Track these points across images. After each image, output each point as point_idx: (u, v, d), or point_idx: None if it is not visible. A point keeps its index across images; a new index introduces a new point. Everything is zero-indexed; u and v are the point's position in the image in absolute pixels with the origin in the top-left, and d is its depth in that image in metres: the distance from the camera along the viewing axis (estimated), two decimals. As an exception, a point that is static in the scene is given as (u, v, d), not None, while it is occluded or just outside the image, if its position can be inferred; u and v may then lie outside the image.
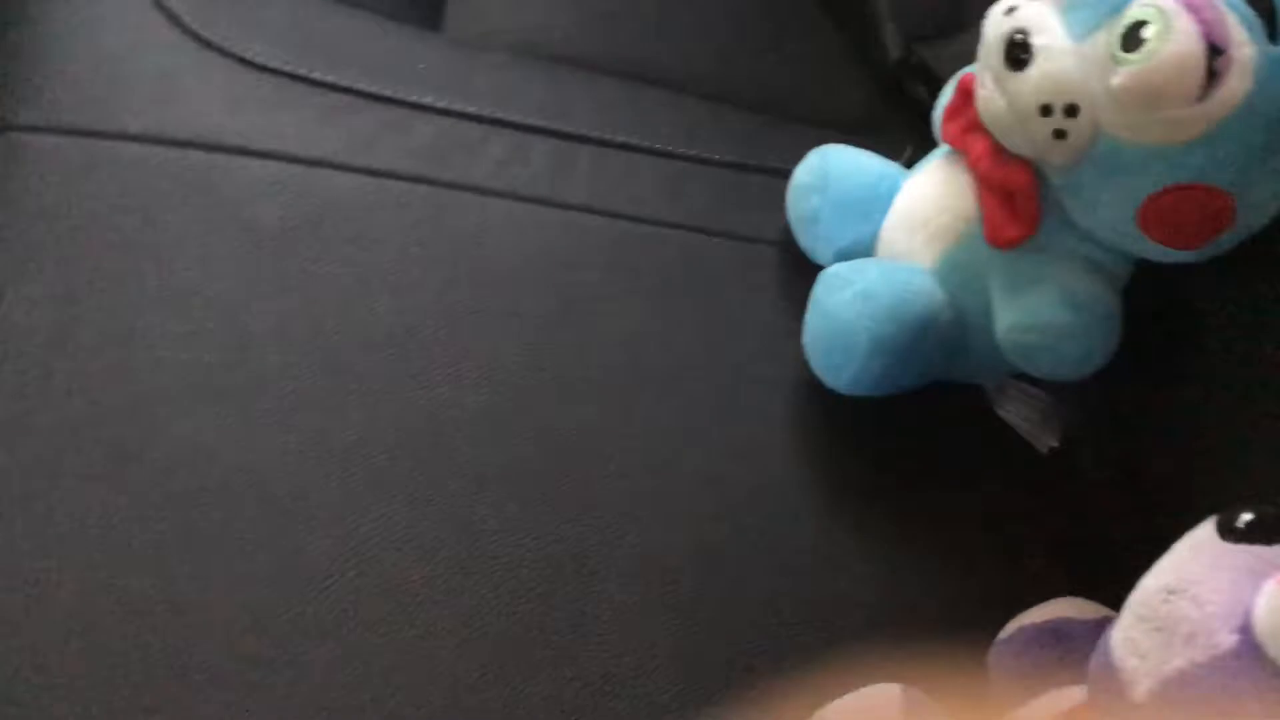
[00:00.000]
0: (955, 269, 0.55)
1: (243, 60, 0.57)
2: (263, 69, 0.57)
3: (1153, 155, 0.46)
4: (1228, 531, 0.35)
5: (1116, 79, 0.46)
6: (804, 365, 0.55)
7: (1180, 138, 0.45)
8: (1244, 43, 0.44)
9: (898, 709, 0.41)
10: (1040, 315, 0.52)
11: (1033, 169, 0.51)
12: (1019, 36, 0.48)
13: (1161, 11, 0.44)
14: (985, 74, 0.50)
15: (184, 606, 0.43)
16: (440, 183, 0.56)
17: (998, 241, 0.53)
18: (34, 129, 0.51)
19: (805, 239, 0.59)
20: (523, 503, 0.49)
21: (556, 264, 0.56)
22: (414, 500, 0.48)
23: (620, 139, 0.62)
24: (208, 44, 0.57)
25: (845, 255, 0.58)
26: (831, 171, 0.59)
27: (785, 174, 0.62)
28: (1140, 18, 0.45)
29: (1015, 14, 0.49)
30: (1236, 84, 0.44)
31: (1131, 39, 0.45)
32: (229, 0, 0.59)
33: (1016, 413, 0.57)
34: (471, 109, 0.60)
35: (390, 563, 0.46)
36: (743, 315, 0.58)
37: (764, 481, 0.54)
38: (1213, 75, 0.44)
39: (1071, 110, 0.48)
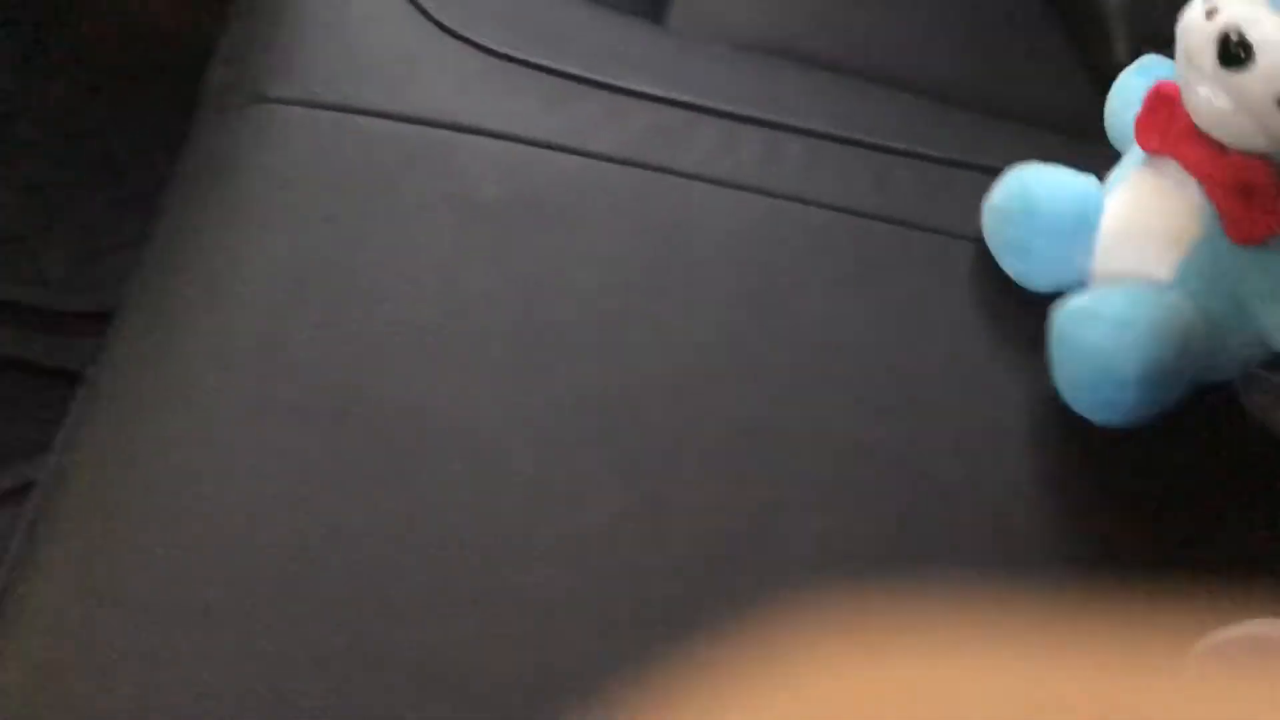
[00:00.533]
0: (1197, 276, 0.53)
1: (477, 46, 0.61)
2: (494, 54, 0.60)
3: None
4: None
5: None
6: (994, 363, 0.55)
7: None
8: None
9: None
10: None
11: (1269, 160, 0.50)
12: (1234, 35, 0.47)
13: None
14: (1194, 78, 0.50)
15: (389, 541, 0.46)
16: (651, 167, 0.58)
17: (1251, 239, 0.51)
18: (287, 101, 0.56)
19: (1014, 266, 0.58)
20: (709, 477, 0.50)
21: (758, 249, 0.57)
22: (607, 465, 0.50)
23: (831, 131, 0.62)
24: (446, 29, 0.61)
25: (1066, 285, 0.56)
26: (1035, 197, 0.57)
27: (996, 171, 0.61)
28: None
29: (1219, 15, 0.48)
30: None
31: None
32: (469, -10, 0.63)
33: (1268, 402, 0.56)
34: (686, 97, 0.61)
35: (577, 520, 0.48)
36: (942, 310, 0.58)
37: (954, 478, 0.53)
38: None
39: None
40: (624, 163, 0.58)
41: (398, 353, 0.50)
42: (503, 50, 0.61)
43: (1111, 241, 0.57)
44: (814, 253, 0.58)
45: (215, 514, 0.46)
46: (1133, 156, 0.56)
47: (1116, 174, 0.57)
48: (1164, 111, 0.52)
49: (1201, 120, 0.50)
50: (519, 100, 0.59)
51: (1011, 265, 0.58)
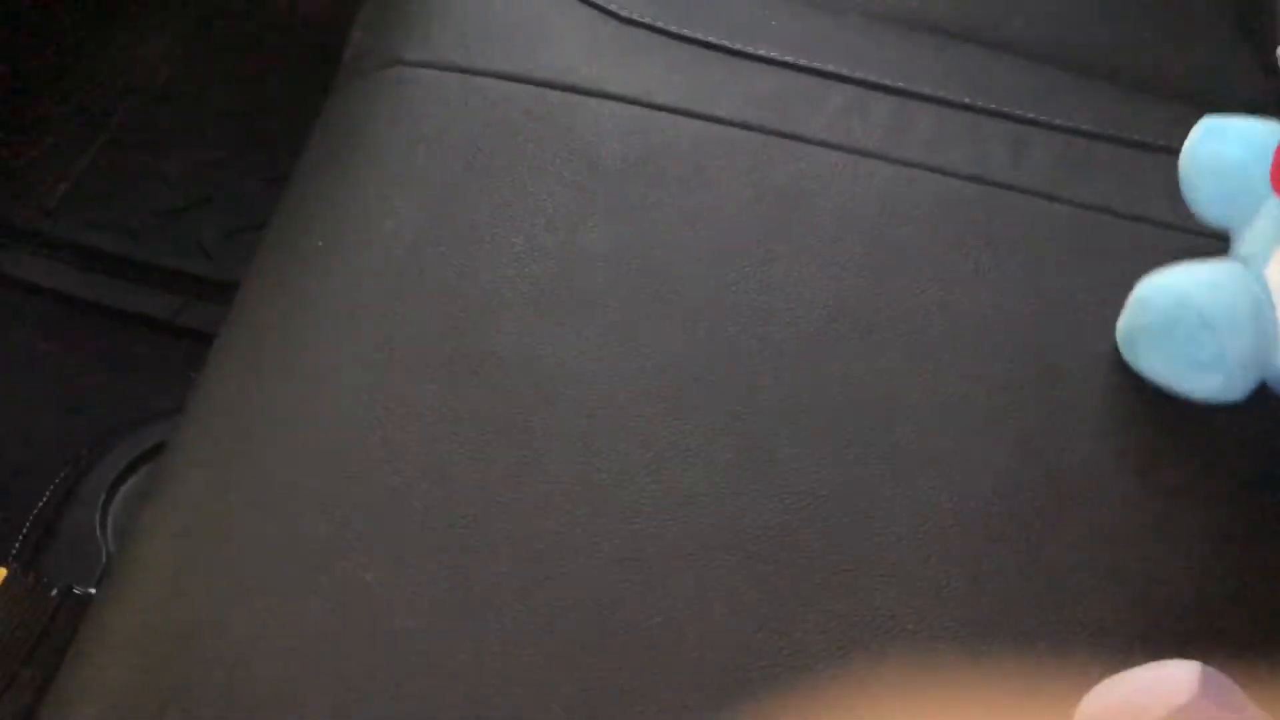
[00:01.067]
0: None
1: (607, 12, 0.61)
2: (624, 20, 0.61)
3: None
4: None
5: None
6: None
7: None
8: None
9: (1196, 684, 0.38)
10: None
11: None
12: None
13: None
14: None
15: (498, 488, 0.47)
16: (774, 131, 0.58)
17: None
18: (420, 64, 0.58)
19: (1208, 382, 0.50)
20: (818, 438, 0.50)
21: (881, 216, 0.56)
22: (715, 425, 0.49)
23: (964, 100, 0.61)
24: (578, -3, 0.61)
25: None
26: (1202, 305, 0.49)
27: (1138, 144, 0.59)
28: None
29: None
30: None
31: None
32: (602, -41, 0.64)
33: None
34: (815, 64, 0.61)
35: (683, 477, 0.48)
36: (1071, 286, 0.56)
37: (1071, 460, 0.51)
38: None
39: None
40: (746, 127, 0.58)
41: (514, 308, 0.51)
42: (631, 16, 0.61)
43: None
44: (940, 221, 0.57)
45: (331, 459, 0.48)
46: (1263, 217, 0.52)
47: (1254, 244, 0.52)
48: None
49: None
50: (645, 64, 0.59)
51: (1204, 383, 0.50)
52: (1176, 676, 0.39)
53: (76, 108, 1.05)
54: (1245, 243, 0.53)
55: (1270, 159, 0.51)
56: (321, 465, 0.47)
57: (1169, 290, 0.50)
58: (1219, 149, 0.53)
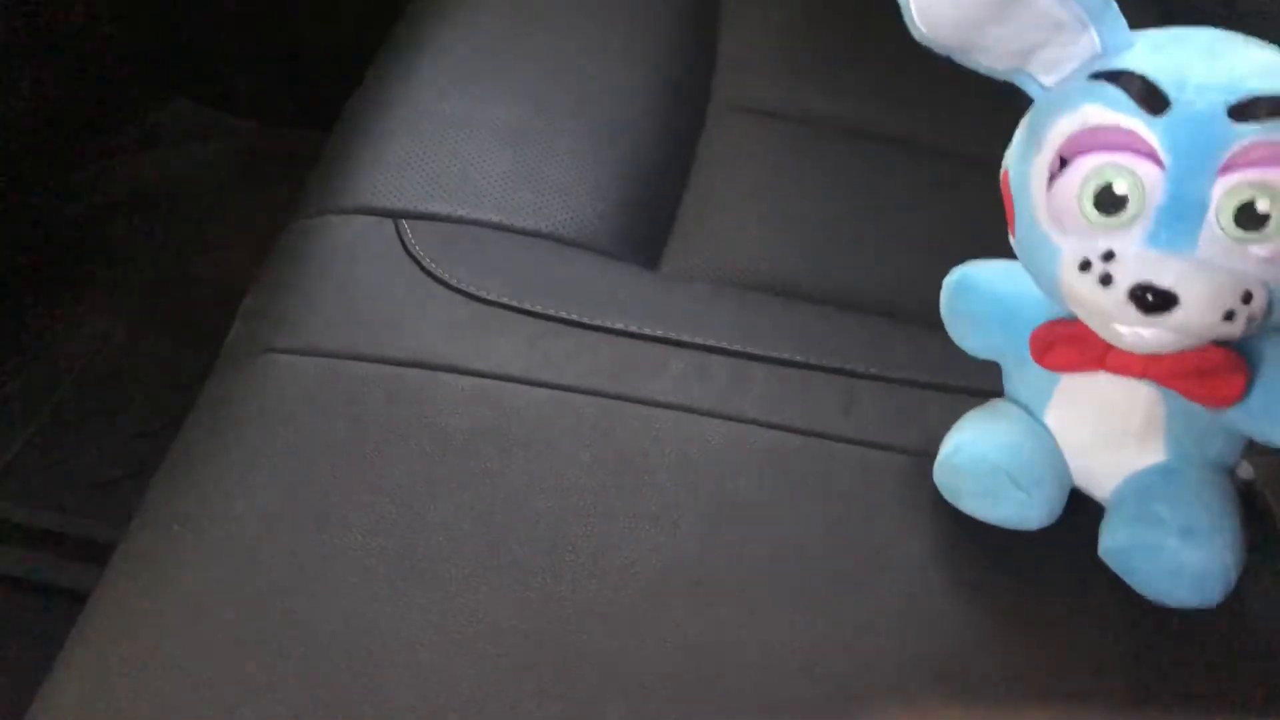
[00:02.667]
0: (1192, 442, 0.55)
1: (466, 293, 0.66)
2: (481, 300, 0.66)
3: None
4: None
5: (1265, 251, 0.46)
6: (959, 588, 0.55)
7: None
8: None
9: None
10: None
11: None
12: (1150, 295, 0.46)
13: (1265, 187, 0.45)
14: (1115, 326, 0.49)
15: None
16: (616, 396, 0.62)
17: (1229, 402, 0.52)
18: (287, 350, 0.62)
19: (1016, 517, 0.58)
20: (646, 694, 0.51)
21: (718, 473, 0.59)
22: (543, 688, 0.51)
23: (798, 358, 0.65)
24: (441, 281, 0.67)
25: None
26: (1014, 470, 0.56)
27: (963, 390, 0.63)
28: (1242, 201, 0.45)
29: (1115, 281, 0.47)
30: None
31: (1248, 220, 0.46)
32: (467, 245, 0.70)
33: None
34: (659, 332, 0.65)
35: (513, 744, 0.49)
36: (905, 533, 0.58)
37: (915, 697, 0.53)
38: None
39: (1247, 297, 0.47)
40: (590, 392, 0.62)
41: (351, 582, 0.53)
42: (489, 297, 0.66)
43: (1086, 458, 0.57)
44: (774, 476, 0.60)
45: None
46: (1042, 377, 0.56)
47: (1027, 390, 0.58)
48: (1074, 341, 0.53)
49: (1137, 350, 0.50)
50: (500, 341, 0.64)
51: (1018, 521, 0.57)
52: None
53: (22, 386, 1.11)
54: (1017, 384, 0.59)
55: (1018, 300, 0.55)
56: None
57: (982, 460, 0.56)
58: (973, 307, 0.58)
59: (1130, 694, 0.54)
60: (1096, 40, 0.48)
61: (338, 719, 0.49)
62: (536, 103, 0.79)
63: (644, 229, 0.76)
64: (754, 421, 0.62)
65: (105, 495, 1.03)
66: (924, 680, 0.53)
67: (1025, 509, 0.57)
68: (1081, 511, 0.58)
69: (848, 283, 0.75)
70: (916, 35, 0.50)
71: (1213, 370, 0.51)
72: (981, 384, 0.63)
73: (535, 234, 0.72)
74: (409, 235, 0.69)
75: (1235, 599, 0.55)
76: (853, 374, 0.65)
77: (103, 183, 1.29)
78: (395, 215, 0.70)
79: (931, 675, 0.53)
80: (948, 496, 0.58)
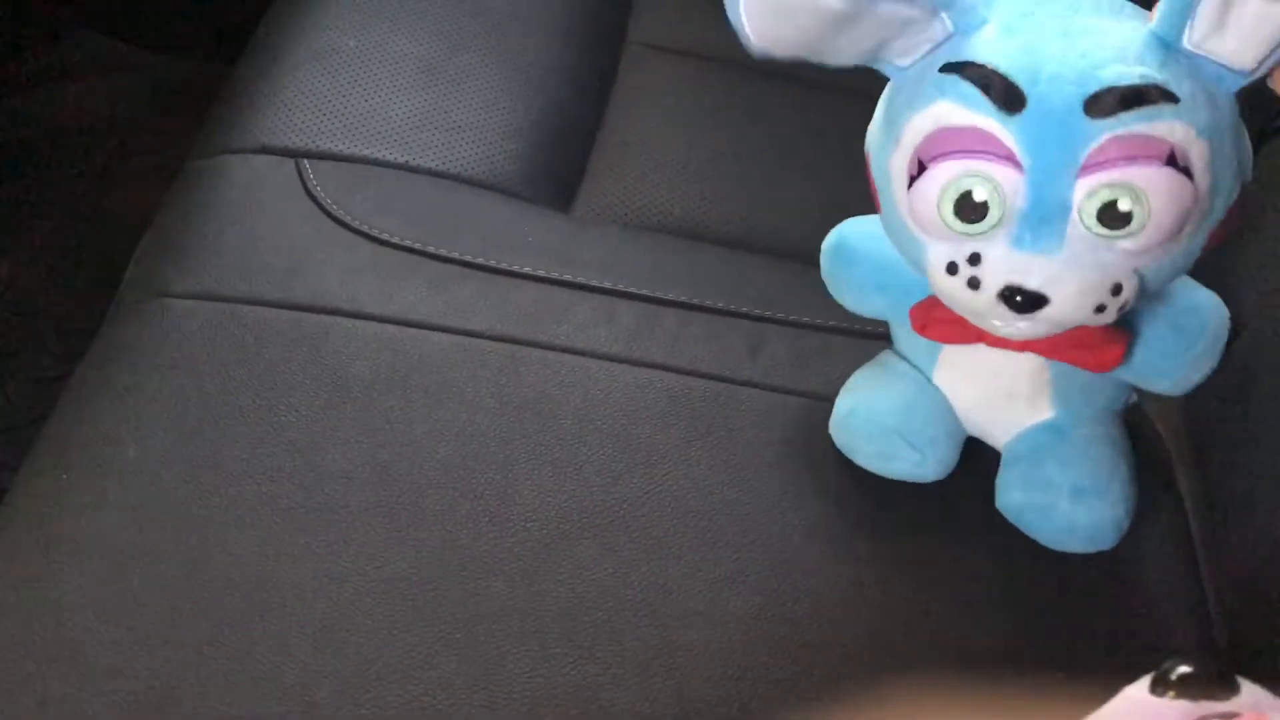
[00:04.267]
0: (1080, 397, 0.56)
1: (370, 237, 0.65)
2: (385, 243, 0.65)
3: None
4: (1161, 686, 0.34)
5: (1133, 245, 0.46)
6: (857, 531, 0.56)
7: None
8: (1192, 140, 0.45)
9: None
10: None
11: None
12: (1019, 297, 0.46)
13: (1126, 186, 0.44)
14: (989, 320, 0.49)
15: (220, 708, 0.48)
16: (522, 341, 0.61)
17: (1109, 367, 0.53)
18: (183, 295, 0.61)
19: (908, 469, 0.58)
20: (544, 641, 0.51)
21: (623, 418, 0.59)
22: (442, 637, 0.51)
23: (706, 302, 0.65)
24: (341, 223, 0.65)
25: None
26: (909, 432, 0.57)
27: (868, 335, 0.63)
28: (1104, 201, 0.45)
29: (983, 284, 0.47)
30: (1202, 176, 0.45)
31: (1112, 219, 0.45)
32: (371, 186, 0.68)
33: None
34: (567, 276, 0.65)
35: (410, 692, 0.49)
36: (811, 476, 0.59)
37: (810, 638, 0.53)
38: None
39: (1117, 289, 0.47)
40: (495, 338, 0.61)
41: (247, 529, 0.53)
42: (393, 239, 0.65)
43: (977, 415, 0.58)
44: (679, 420, 0.60)
45: (60, 700, 0.48)
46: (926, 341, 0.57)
47: (917, 356, 0.58)
48: (952, 321, 0.52)
49: (1014, 339, 0.50)
50: (403, 285, 0.63)
51: (905, 469, 0.58)
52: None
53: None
54: (903, 343, 0.59)
55: (896, 264, 0.54)
56: (51, 696, 0.48)
57: (876, 423, 0.57)
58: (851, 272, 0.58)
59: (1018, 633, 0.55)
60: (948, 23, 0.46)
61: (237, 667, 0.49)
62: (447, 39, 0.77)
63: (557, 171, 0.75)
64: (660, 366, 0.62)
65: (7, 440, 1.01)
66: (824, 622, 0.54)
67: (920, 467, 0.57)
68: (979, 457, 0.59)
69: (760, 226, 0.74)
70: (752, 52, 0.46)
71: (1092, 342, 0.51)
72: (884, 328, 0.63)
73: (443, 175, 0.70)
74: (310, 175, 0.67)
75: (1130, 544, 0.56)
76: (760, 318, 0.64)
77: (9, 117, 1.25)
78: (296, 155, 0.68)
79: (830, 619, 0.54)
80: (844, 453, 0.58)
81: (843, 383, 0.60)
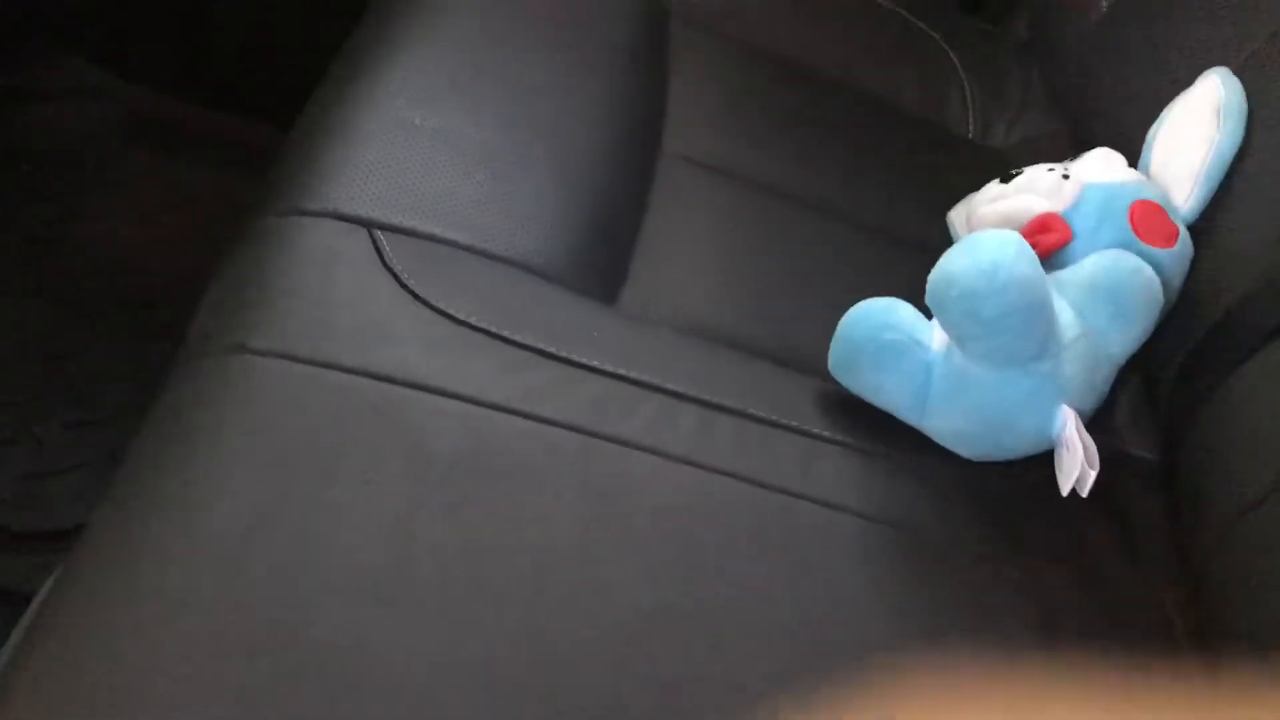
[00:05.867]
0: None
1: (445, 314, 0.66)
2: (460, 323, 0.66)
3: None
4: None
5: None
6: (898, 650, 0.59)
7: None
8: None
9: None
10: None
11: None
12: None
13: None
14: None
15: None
16: (594, 434, 0.63)
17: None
18: (263, 353, 0.61)
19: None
20: (631, 734, 0.53)
21: (691, 519, 0.62)
22: (535, 716, 0.52)
23: (761, 414, 0.68)
24: (418, 298, 0.66)
25: None
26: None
27: (905, 460, 0.67)
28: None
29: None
30: None
31: None
32: (443, 265, 0.70)
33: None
34: (631, 374, 0.67)
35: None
36: (861, 592, 0.62)
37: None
38: None
39: None
40: (569, 428, 0.63)
41: (342, 598, 0.53)
42: (468, 320, 0.66)
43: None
44: (740, 526, 0.62)
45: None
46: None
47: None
48: None
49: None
50: (478, 365, 0.64)
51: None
52: None
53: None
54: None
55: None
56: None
57: (898, 328, 0.67)
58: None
59: None
60: None
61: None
62: (504, 127, 0.80)
63: (604, 266, 0.78)
64: (722, 472, 0.64)
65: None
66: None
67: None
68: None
69: (783, 339, 0.78)
70: None
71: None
72: (916, 455, 0.68)
73: (506, 260, 0.72)
74: (386, 248, 0.68)
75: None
76: (811, 434, 0.68)
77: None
78: (370, 225, 0.70)
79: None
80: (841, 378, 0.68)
81: (887, 505, 0.64)
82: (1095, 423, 0.73)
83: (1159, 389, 0.76)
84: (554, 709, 0.53)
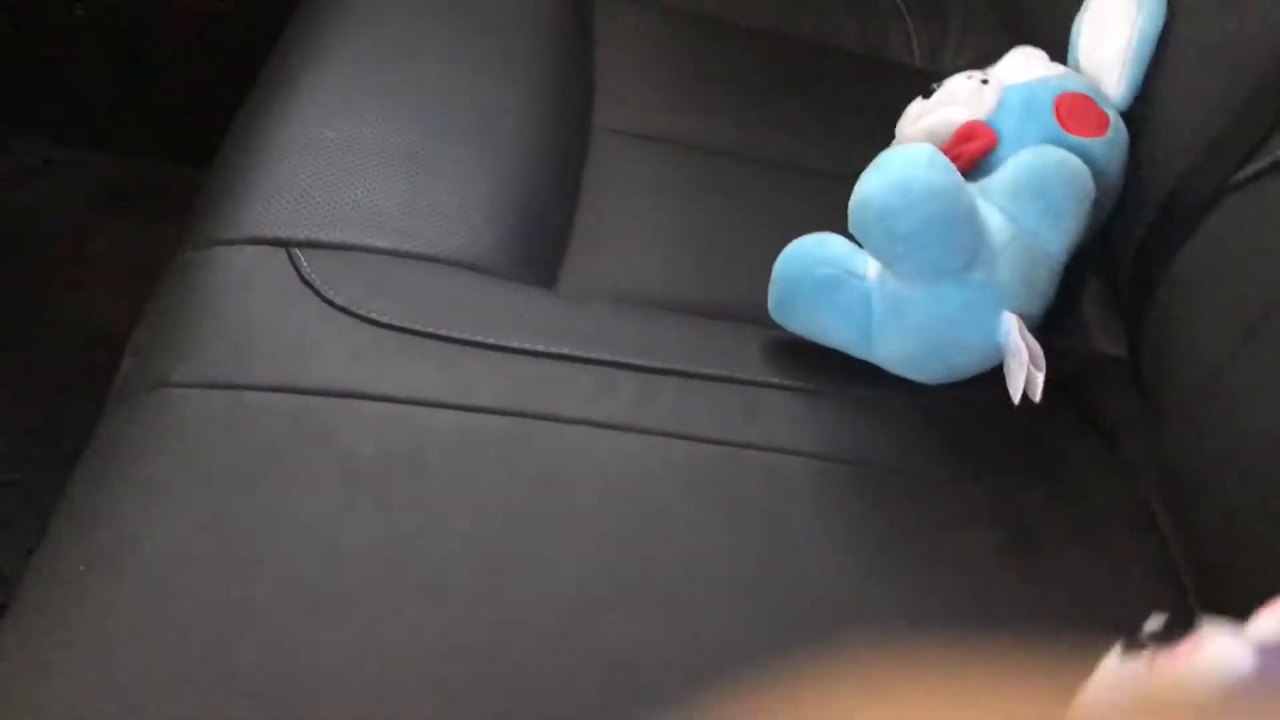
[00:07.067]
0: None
1: (368, 320, 0.65)
2: (384, 325, 0.65)
3: None
4: (1134, 647, 0.35)
5: None
6: (867, 583, 0.57)
7: None
8: None
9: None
10: None
11: None
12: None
13: None
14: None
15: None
16: (528, 415, 0.62)
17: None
18: (184, 385, 0.61)
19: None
20: (579, 707, 0.51)
21: (635, 485, 0.60)
22: (485, 710, 0.51)
23: (702, 371, 0.66)
24: (339, 308, 0.66)
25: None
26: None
27: (857, 397, 0.65)
28: None
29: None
30: None
31: None
32: (365, 272, 0.69)
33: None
34: (565, 350, 0.66)
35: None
36: (816, 533, 0.60)
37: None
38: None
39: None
40: (501, 413, 0.62)
41: (273, 616, 0.52)
42: (392, 322, 0.66)
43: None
44: (687, 485, 0.61)
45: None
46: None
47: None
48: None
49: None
50: (406, 366, 0.64)
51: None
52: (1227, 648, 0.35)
53: None
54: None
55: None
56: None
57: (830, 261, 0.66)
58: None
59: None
60: None
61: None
62: (424, 127, 0.79)
63: (538, 252, 0.76)
64: (664, 433, 0.63)
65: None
66: (844, 672, 0.55)
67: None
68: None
69: (732, 296, 0.76)
70: None
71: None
72: (868, 388, 0.66)
73: (433, 259, 0.71)
74: (304, 264, 0.68)
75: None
76: (756, 383, 0.66)
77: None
78: (288, 244, 0.69)
79: (858, 659, 0.55)
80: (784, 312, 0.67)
81: (837, 442, 0.62)
82: (1060, 325, 0.71)
83: (1120, 281, 0.73)
84: (503, 696, 0.52)
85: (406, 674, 0.52)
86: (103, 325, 1.15)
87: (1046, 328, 0.68)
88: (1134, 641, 0.35)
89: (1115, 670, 0.35)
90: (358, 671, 0.51)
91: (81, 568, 0.54)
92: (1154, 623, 0.35)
